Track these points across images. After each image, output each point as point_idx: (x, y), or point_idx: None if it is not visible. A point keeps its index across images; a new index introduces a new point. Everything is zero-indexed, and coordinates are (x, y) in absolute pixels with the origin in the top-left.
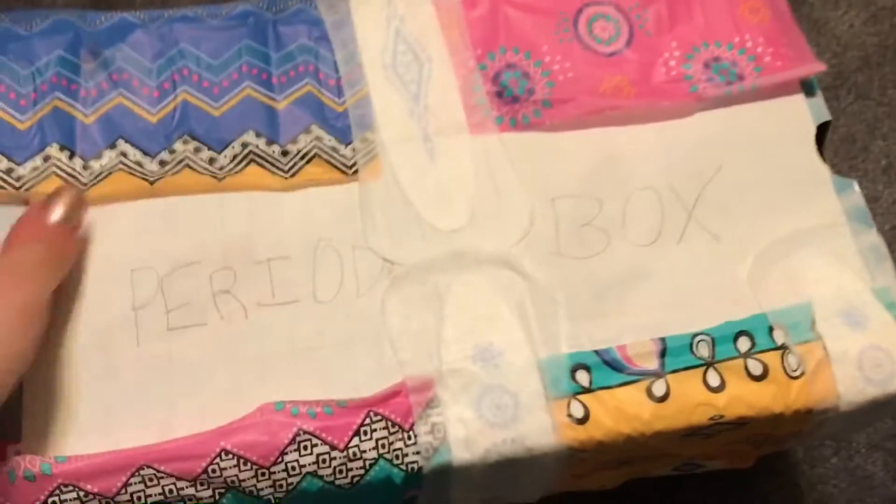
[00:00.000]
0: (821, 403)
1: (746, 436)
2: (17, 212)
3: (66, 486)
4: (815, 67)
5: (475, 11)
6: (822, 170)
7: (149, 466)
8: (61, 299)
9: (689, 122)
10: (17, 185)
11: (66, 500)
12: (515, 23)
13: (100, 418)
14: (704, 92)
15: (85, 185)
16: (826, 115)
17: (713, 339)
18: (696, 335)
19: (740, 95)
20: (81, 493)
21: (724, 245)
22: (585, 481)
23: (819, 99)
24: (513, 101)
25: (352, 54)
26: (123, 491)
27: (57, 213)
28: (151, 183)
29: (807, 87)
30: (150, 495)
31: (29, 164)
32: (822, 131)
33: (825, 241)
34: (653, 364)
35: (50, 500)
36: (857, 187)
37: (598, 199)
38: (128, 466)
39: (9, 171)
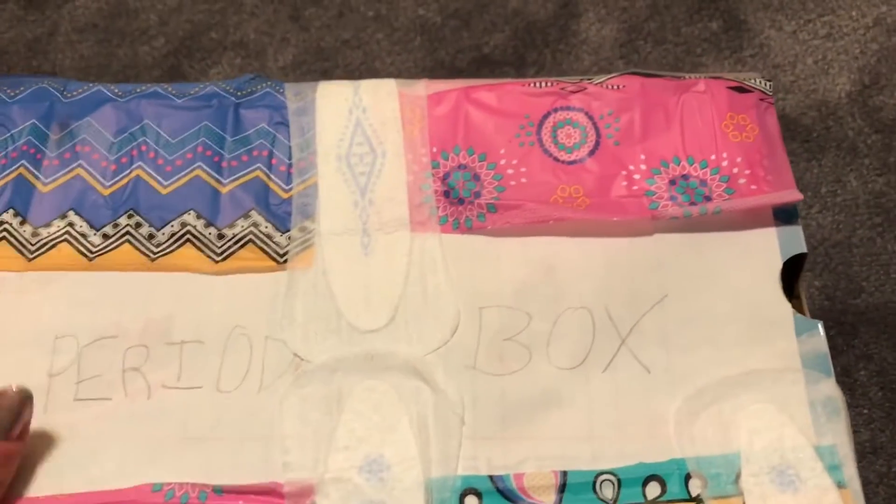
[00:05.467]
0: None
1: None
2: None
3: None
4: (790, 196)
5: (439, 108)
6: (784, 307)
7: None
8: None
9: (640, 242)
10: None
11: None
12: (476, 123)
13: None
14: (663, 211)
15: (31, 253)
16: (801, 248)
17: (619, 480)
18: (601, 473)
19: (703, 220)
20: None
21: (654, 379)
22: None
23: (796, 228)
24: (458, 202)
25: (308, 142)
26: None
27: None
28: (90, 259)
29: (785, 216)
30: None
31: None
32: (799, 262)
33: (771, 388)
34: (549, 499)
35: None
36: (821, 329)
37: (528, 313)
38: None
39: None
